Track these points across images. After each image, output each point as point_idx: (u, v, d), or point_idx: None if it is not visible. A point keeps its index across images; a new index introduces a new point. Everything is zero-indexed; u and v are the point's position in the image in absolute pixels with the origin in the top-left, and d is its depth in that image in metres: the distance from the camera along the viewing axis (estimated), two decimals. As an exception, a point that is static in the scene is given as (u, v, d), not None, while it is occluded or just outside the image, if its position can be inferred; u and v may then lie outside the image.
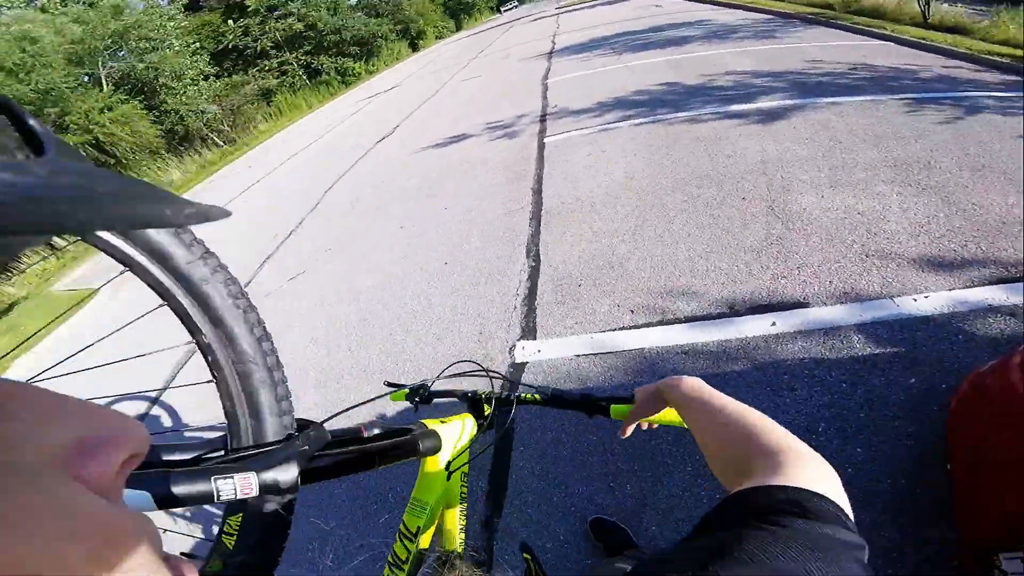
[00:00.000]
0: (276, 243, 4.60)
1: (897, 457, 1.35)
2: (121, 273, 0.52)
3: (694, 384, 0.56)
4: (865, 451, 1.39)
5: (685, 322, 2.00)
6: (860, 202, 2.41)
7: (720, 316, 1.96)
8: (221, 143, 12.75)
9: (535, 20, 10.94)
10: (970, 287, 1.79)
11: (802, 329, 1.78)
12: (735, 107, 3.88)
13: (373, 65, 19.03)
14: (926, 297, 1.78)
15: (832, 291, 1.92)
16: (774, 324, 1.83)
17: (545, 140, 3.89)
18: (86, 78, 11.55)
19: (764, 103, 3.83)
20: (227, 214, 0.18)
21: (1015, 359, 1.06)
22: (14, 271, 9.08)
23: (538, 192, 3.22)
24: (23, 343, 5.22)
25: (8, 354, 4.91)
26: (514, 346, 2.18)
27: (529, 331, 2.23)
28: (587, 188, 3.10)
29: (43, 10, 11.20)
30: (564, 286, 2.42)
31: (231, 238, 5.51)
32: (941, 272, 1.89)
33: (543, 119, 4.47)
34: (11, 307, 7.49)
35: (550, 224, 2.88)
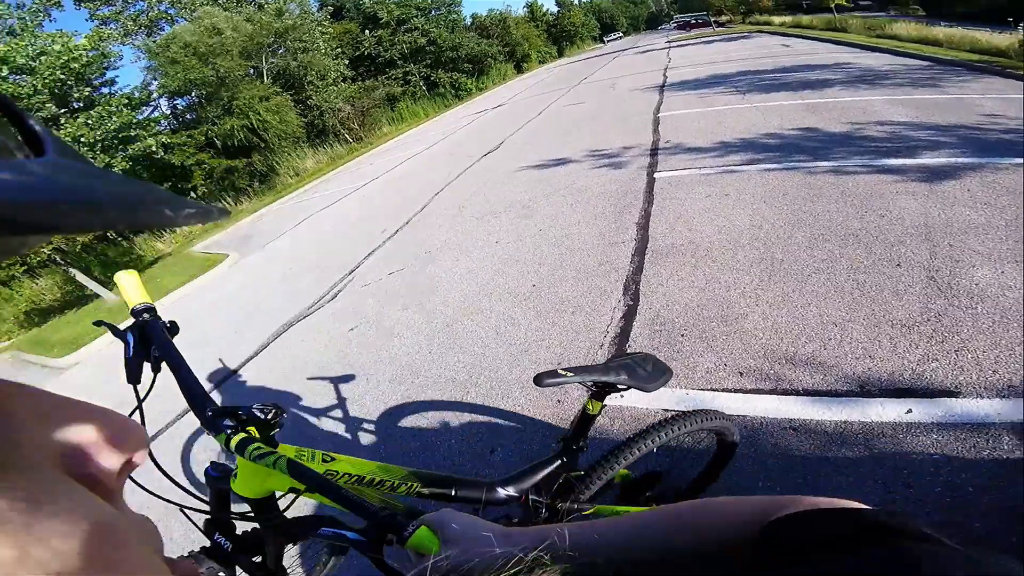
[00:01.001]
0: (383, 238, 4.98)
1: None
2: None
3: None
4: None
5: (804, 395, 1.71)
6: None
7: (847, 394, 1.66)
8: (350, 139, 14.47)
9: (642, 52, 10.78)
10: None
11: (943, 421, 1.48)
12: (890, 161, 3.34)
13: (483, 83, 20.40)
14: None
15: (993, 382, 1.56)
16: (910, 411, 1.53)
17: (656, 175, 3.70)
18: (252, 70, 13.88)
19: (928, 159, 3.25)
20: (227, 214, 0.18)
21: None
22: (167, 231, 11.14)
23: (643, 228, 3.03)
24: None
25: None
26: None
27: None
28: (703, 231, 2.84)
29: (224, 8, 13.72)
30: (663, 332, 2.20)
31: (345, 229, 6.12)
32: None
33: (653, 153, 4.27)
34: (156, 260, 9.13)
35: (655, 263, 2.67)
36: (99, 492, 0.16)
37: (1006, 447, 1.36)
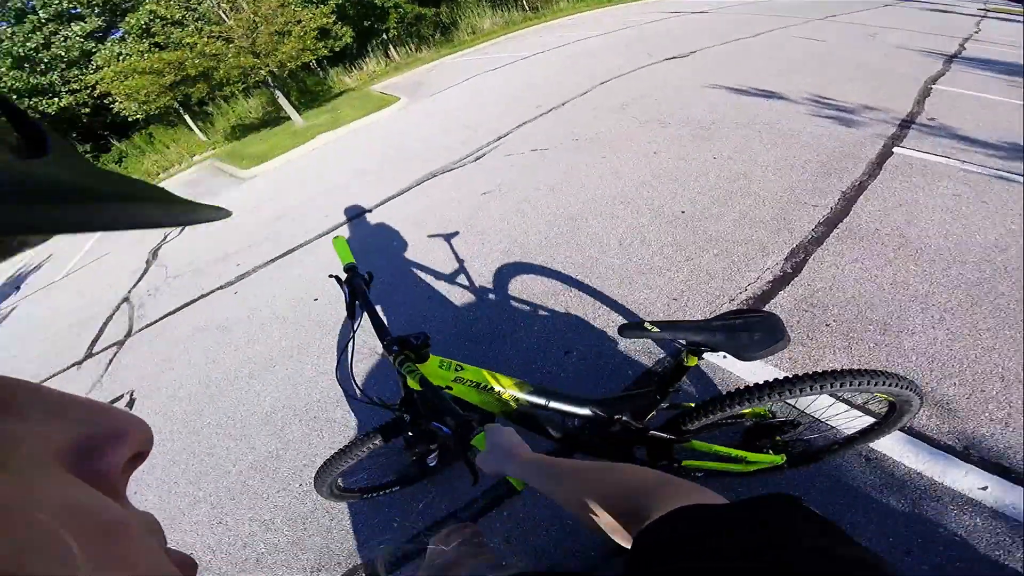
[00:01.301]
0: (536, 113, 4.82)
1: None
2: None
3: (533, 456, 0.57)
4: None
5: (907, 434, 1.46)
6: None
7: (945, 448, 1.40)
8: (527, 7, 13.58)
9: (933, 9, 7.59)
10: None
11: (1001, 511, 1.25)
12: None
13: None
14: None
15: None
16: (984, 488, 1.31)
17: (895, 150, 2.84)
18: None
19: None
20: (228, 214, 0.19)
21: None
22: (356, 68, 12.01)
23: (850, 200, 2.44)
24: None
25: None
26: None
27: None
28: (925, 230, 2.20)
29: None
30: (808, 314, 1.88)
31: (503, 96, 6.02)
32: None
33: (905, 125, 3.23)
34: (342, 93, 10.09)
35: (842, 241, 2.19)
36: (103, 489, 0.15)
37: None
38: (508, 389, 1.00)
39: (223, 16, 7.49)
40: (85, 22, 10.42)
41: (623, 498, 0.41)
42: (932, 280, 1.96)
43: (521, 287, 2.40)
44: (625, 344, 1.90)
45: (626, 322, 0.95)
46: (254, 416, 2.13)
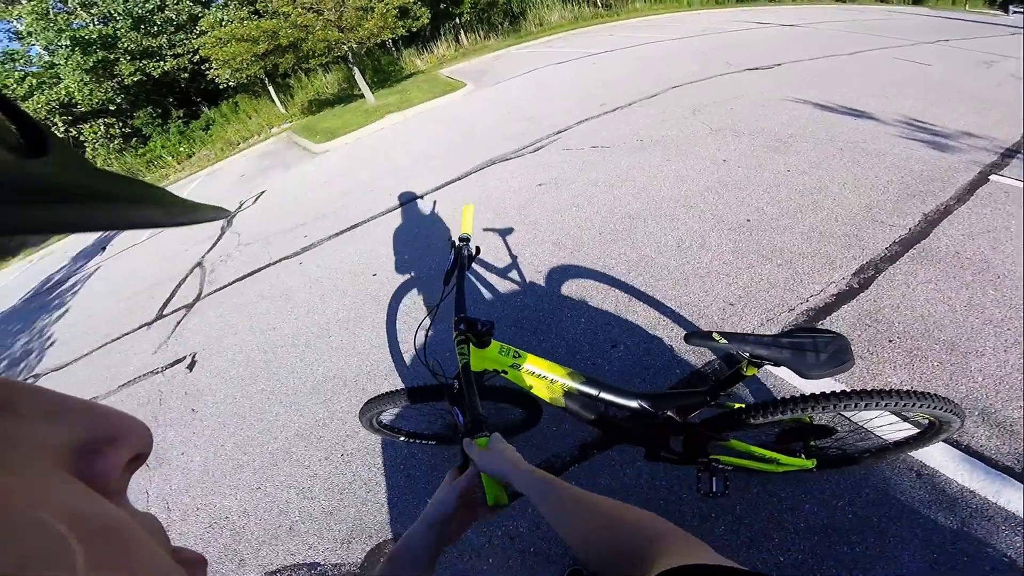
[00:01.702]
0: (600, 111, 4.83)
1: None
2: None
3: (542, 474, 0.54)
4: None
5: (962, 450, 1.44)
6: None
7: (1002, 469, 1.37)
8: (599, 4, 13.39)
9: None
10: None
11: None
12: None
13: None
14: None
15: None
16: None
17: (992, 177, 2.64)
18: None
19: None
20: (227, 214, 0.32)
21: None
22: (427, 50, 12.31)
23: (932, 223, 2.31)
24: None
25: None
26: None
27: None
28: (1010, 256, 2.07)
29: None
30: (871, 328, 1.84)
31: (567, 90, 6.06)
32: None
33: (1009, 155, 2.97)
34: (412, 75, 10.39)
35: (916, 262, 2.10)
36: (103, 490, 0.15)
37: None
38: (561, 378, 1.07)
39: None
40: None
41: (628, 542, 0.41)
42: (1011, 306, 1.85)
43: (571, 280, 2.47)
44: (674, 343, 1.94)
45: (694, 330, 1.01)
46: (305, 384, 2.25)
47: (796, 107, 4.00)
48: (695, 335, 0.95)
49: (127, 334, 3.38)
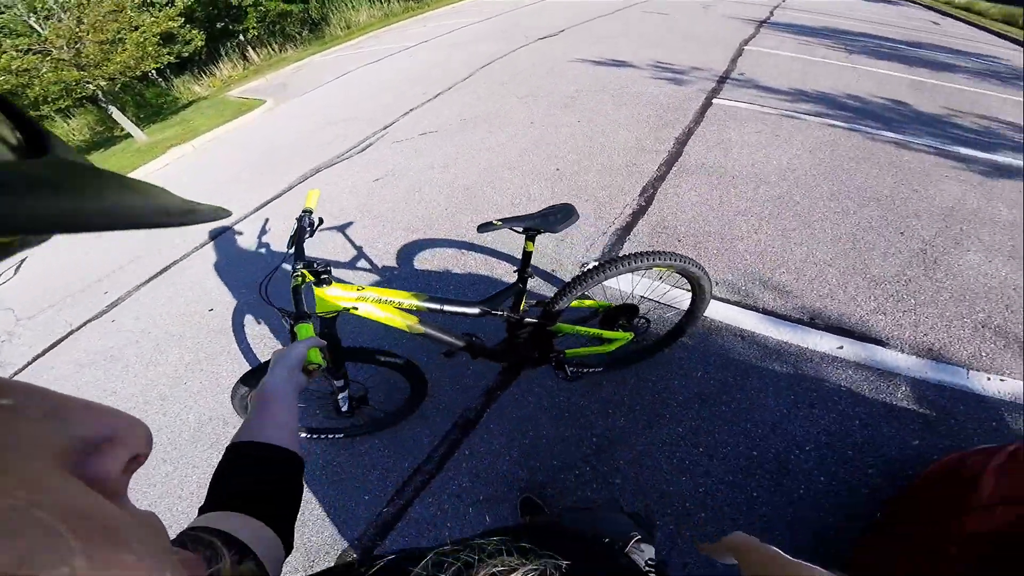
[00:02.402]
0: (423, 99, 4.89)
1: (845, 498, 1.39)
2: None
3: (756, 546, 0.53)
4: (826, 482, 1.43)
5: (761, 313, 1.92)
6: (1026, 281, 1.96)
7: (798, 322, 1.87)
8: None
9: None
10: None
11: (863, 363, 1.69)
12: (961, 150, 3.15)
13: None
14: (1001, 380, 1.62)
15: (920, 343, 1.77)
16: (841, 348, 1.76)
17: (715, 101, 3.52)
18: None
19: (1003, 157, 3.05)
20: (228, 214, 0.19)
21: (996, 456, 1.01)
22: (207, 74, 10.77)
23: (682, 144, 3.00)
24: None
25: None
26: (586, 263, 2.22)
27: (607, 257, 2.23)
28: (737, 161, 2.82)
29: None
30: (663, 234, 2.34)
31: (385, 87, 5.95)
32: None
33: (722, 80, 3.98)
34: (191, 103, 8.96)
35: (679, 177, 2.71)
36: (103, 490, 0.15)
37: (899, 395, 1.59)
38: (406, 300, 1.19)
39: (34, 27, 6.22)
40: None
41: None
42: (747, 198, 2.55)
43: (428, 256, 2.56)
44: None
45: (481, 222, 1.23)
46: (182, 436, 1.98)
47: (577, 66, 4.67)
48: (483, 225, 1.19)
49: None
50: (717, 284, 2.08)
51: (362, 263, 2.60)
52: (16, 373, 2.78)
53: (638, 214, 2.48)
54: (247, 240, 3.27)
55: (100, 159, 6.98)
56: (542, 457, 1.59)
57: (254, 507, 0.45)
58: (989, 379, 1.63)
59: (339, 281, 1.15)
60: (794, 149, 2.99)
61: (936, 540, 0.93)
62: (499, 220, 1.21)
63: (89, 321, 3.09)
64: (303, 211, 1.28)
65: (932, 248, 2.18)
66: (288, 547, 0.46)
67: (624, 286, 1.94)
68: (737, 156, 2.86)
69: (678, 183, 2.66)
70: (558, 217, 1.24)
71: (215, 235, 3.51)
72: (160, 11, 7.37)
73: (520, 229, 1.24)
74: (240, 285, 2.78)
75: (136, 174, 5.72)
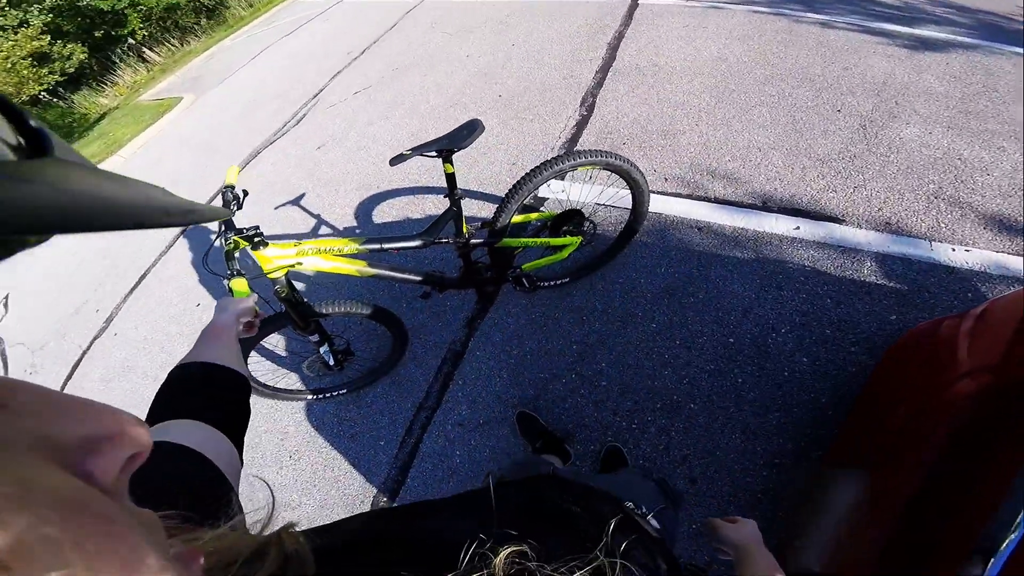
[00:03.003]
0: (349, 59, 4.64)
1: (833, 378, 1.40)
2: None
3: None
4: (809, 363, 1.44)
5: (713, 202, 1.99)
6: (970, 150, 2.06)
7: (750, 207, 1.94)
8: None
9: None
10: (1019, 255, 1.62)
11: (823, 241, 1.75)
12: (885, 26, 3.25)
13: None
14: (967, 250, 1.64)
15: (876, 218, 1.80)
16: (798, 228, 1.80)
17: (640, 1, 3.49)
18: None
19: (925, 31, 3.15)
20: (229, 214, 0.19)
21: (961, 321, 0.98)
22: (108, 84, 9.71)
23: (614, 48, 3.00)
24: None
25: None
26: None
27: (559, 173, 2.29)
28: (669, 57, 2.86)
29: None
30: (608, 139, 2.40)
31: (308, 56, 5.58)
32: (1002, 234, 1.70)
33: (648, -16, 3.95)
34: (103, 116, 8.13)
35: (616, 81, 2.74)
36: (102, 488, 0.15)
37: (865, 271, 1.61)
38: (346, 246, 1.21)
39: None
40: None
41: None
42: (684, 91, 2.60)
43: (387, 208, 2.57)
44: (478, 210, 2.24)
45: (391, 156, 1.25)
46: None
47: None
48: (394, 158, 1.25)
49: None
50: (667, 180, 2.16)
51: (324, 230, 2.59)
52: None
53: (581, 124, 2.53)
54: (210, 232, 3.18)
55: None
56: (529, 372, 1.66)
57: (209, 417, 0.45)
58: (954, 250, 1.64)
59: (277, 240, 1.18)
60: (723, 39, 3.04)
61: (919, 411, 0.90)
62: (408, 150, 1.24)
63: (95, 339, 3.05)
64: (224, 187, 1.27)
65: (871, 123, 2.24)
66: (240, 462, 0.45)
67: (573, 195, 1.97)
68: (668, 52, 2.90)
69: (615, 87, 2.69)
70: (464, 133, 1.28)
71: (177, 235, 3.40)
72: (16, 34, 6.58)
73: (432, 153, 1.27)
74: (216, 277, 2.74)
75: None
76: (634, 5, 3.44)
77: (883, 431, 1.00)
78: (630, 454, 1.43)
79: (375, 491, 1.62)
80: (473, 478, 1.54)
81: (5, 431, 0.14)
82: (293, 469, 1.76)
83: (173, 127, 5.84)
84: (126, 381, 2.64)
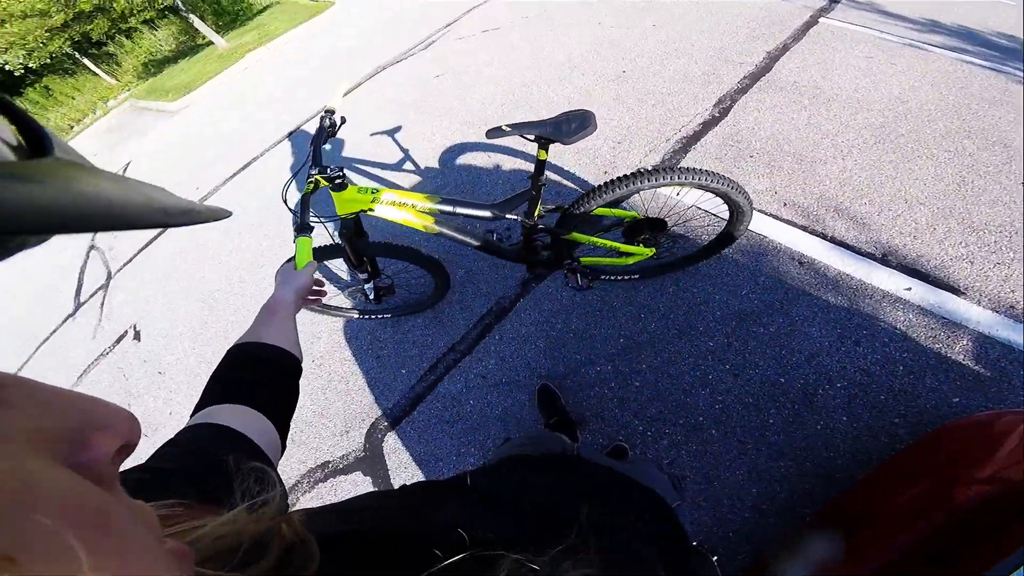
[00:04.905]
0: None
1: (861, 443, 1.30)
2: None
3: None
4: (847, 423, 1.34)
5: (828, 240, 1.73)
6: None
7: (867, 255, 1.67)
8: None
9: None
10: None
11: (929, 309, 1.51)
12: None
13: None
14: None
15: (1002, 299, 1.52)
16: (909, 289, 1.56)
17: (822, 19, 3.01)
18: None
19: None
20: (228, 214, 0.19)
21: (993, 425, 0.93)
22: None
23: (774, 59, 2.62)
24: None
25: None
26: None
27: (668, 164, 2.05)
28: (836, 84, 2.44)
29: None
30: (734, 148, 2.11)
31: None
32: None
33: (836, 1, 3.40)
34: (264, 10, 8.85)
35: (763, 91, 2.39)
36: (94, 479, 0.15)
37: (957, 349, 1.41)
38: (420, 202, 1.17)
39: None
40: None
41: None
42: (841, 122, 2.22)
43: (482, 152, 2.49)
44: (581, 174, 2.09)
45: (490, 128, 1.13)
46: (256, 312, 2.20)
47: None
48: (491, 130, 1.12)
49: (54, 332, 2.85)
50: (785, 205, 1.88)
51: (407, 166, 2.58)
52: (127, 264, 3.07)
53: (709, 124, 2.24)
54: (295, 163, 3.33)
55: (187, 67, 7.32)
56: (567, 350, 1.60)
57: (254, 400, 0.46)
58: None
59: (357, 184, 1.17)
60: (911, 80, 2.54)
61: (938, 491, 0.87)
62: (508, 125, 1.11)
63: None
64: (324, 111, 1.23)
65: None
66: (282, 448, 0.47)
67: (665, 190, 1.78)
68: (838, 78, 2.47)
69: (761, 97, 2.35)
70: (572, 127, 1.10)
71: (289, 133, 3.61)
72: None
73: (532, 137, 1.13)
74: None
75: (220, 79, 6.01)
76: (812, 22, 2.98)
77: (884, 501, 0.97)
78: (633, 457, 1.37)
79: (379, 414, 1.62)
80: (476, 429, 1.50)
81: (3, 425, 0.14)
82: (311, 374, 1.79)
83: (322, 29, 6.20)
84: (191, 258, 2.81)
